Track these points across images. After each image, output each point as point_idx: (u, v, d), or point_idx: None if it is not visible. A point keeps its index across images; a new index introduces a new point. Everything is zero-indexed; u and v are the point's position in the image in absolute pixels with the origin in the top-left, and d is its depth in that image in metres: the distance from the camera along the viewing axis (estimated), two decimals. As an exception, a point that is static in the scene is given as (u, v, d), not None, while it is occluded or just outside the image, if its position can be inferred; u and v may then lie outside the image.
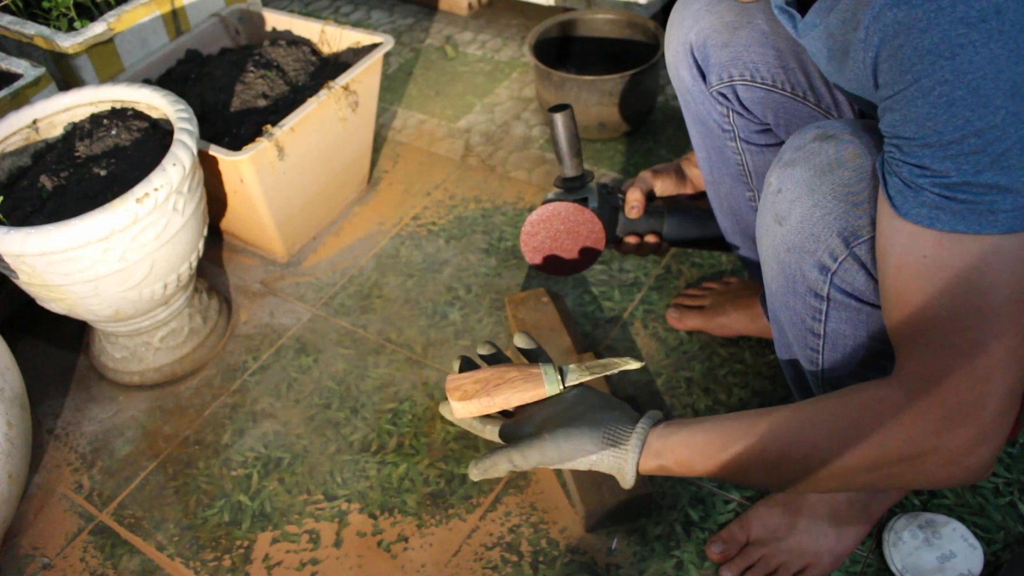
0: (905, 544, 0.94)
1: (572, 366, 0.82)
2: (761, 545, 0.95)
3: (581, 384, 0.82)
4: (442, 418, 1.15)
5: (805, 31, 0.72)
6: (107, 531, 1.08)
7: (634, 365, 0.81)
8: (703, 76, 0.95)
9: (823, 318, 0.74)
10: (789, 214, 0.71)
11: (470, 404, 0.81)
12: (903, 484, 0.66)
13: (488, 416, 0.83)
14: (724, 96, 0.94)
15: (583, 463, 0.76)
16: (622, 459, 0.74)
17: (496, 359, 0.88)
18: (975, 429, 0.60)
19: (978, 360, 0.59)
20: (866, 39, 0.60)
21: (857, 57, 0.62)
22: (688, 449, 0.73)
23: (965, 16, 0.53)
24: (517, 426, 0.80)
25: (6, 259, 1.01)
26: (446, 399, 0.84)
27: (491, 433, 0.83)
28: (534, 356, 0.87)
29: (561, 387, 0.80)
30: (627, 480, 0.75)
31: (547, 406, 0.80)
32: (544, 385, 0.80)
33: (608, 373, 0.82)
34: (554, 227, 1.02)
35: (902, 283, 0.62)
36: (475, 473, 0.80)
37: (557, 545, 1.01)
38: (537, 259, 1.04)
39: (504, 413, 0.83)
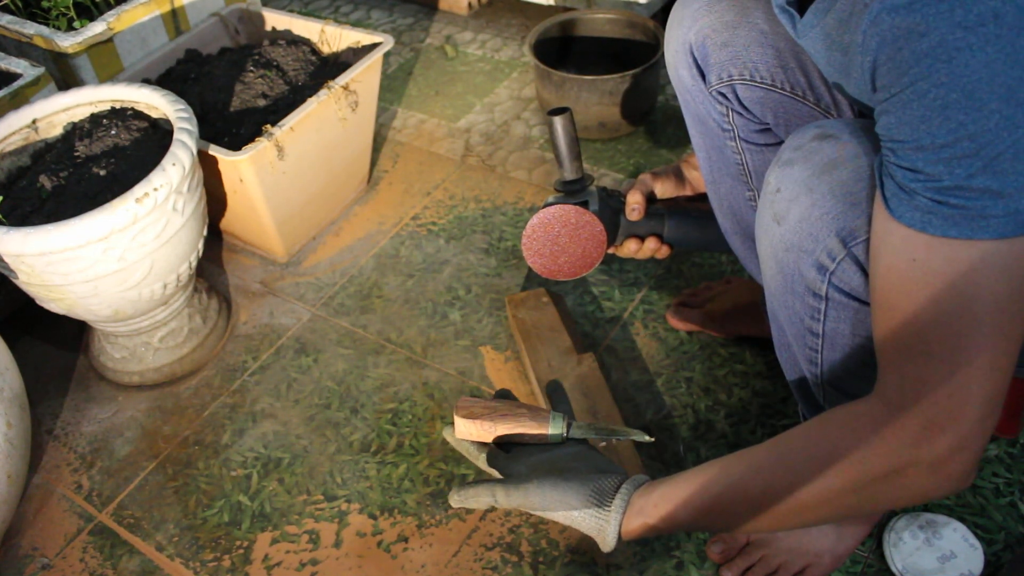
0: (905, 544, 0.94)
1: (582, 423, 0.84)
2: (761, 545, 0.95)
3: (586, 441, 0.83)
4: (442, 417, 1.15)
5: (804, 31, 0.72)
6: (107, 531, 1.08)
7: (644, 439, 0.82)
8: (702, 76, 0.95)
9: (822, 318, 0.74)
10: (787, 213, 0.71)
11: (472, 424, 0.84)
12: (890, 502, 0.66)
13: (486, 446, 0.85)
14: (723, 95, 0.94)
15: (563, 517, 0.77)
16: (604, 520, 0.75)
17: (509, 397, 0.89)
18: (954, 437, 0.60)
19: (958, 368, 0.59)
20: (864, 43, 0.59)
21: (855, 60, 0.62)
22: (670, 501, 0.73)
23: (963, 20, 0.53)
24: (509, 461, 0.82)
25: (5, 259, 1.01)
26: (451, 423, 0.86)
27: (484, 462, 0.84)
28: (556, 402, 0.89)
29: (564, 435, 0.82)
30: (607, 543, 0.76)
31: (546, 451, 0.82)
32: (548, 427, 0.82)
33: (615, 439, 0.84)
34: (555, 230, 1.01)
35: (890, 285, 0.62)
36: (455, 500, 0.81)
37: (557, 545, 1.01)
38: (539, 263, 1.04)
39: (504, 449, 0.85)
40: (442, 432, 0.86)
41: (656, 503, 0.74)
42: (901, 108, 0.57)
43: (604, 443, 0.87)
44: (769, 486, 0.69)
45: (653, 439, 0.83)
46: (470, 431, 0.84)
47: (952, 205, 0.56)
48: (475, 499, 0.80)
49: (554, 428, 0.82)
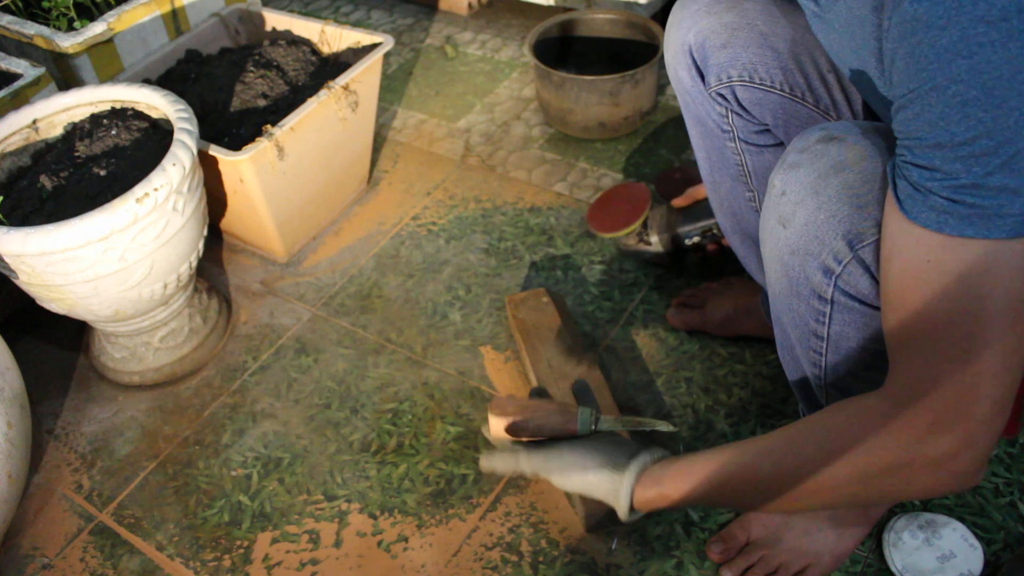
0: (905, 544, 0.94)
1: (608, 417, 0.88)
2: (761, 545, 0.95)
3: (613, 433, 0.88)
4: (442, 417, 1.16)
5: (828, 6, 0.71)
6: (107, 531, 1.08)
7: (668, 428, 0.88)
8: (702, 77, 0.95)
9: (827, 321, 0.74)
10: (793, 216, 0.71)
11: (504, 422, 0.89)
12: (894, 495, 0.66)
13: (522, 443, 0.90)
14: (723, 97, 0.94)
15: (580, 482, 0.80)
16: (617, 483, 0.78)
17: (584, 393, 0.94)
18: (961, 435, 0.60)
19: (968, 367, 0.59)
20: (887, 31, 0.59)
21: (875, 47, 0.62)
22: (686, 475, 0.75)
23: (986, 14, 0.52)
24: (539, 447, 0.87)
25: (6, 259, 1.01)
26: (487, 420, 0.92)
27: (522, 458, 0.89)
28: (583, 400, 0.94)
29: (592, 430, 0.87)
30: (621, 505, 0.78)
31: (572, 439, 0.87)
32: (576, 423, 0.87)
33: (640, 429, 0.88)
34: (615, 196, 1.40)
35: (903, 286, 0.62)
36: (483, 463, 0.87)
37: (557, 545, 1.01)
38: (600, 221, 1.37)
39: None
40: (482, 429, 0.92)
41: (673, 476, 0.76)
42: (919, 103, 0.57)
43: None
44: (777, 470, 0.70)
45: (677, 429, 0.86)
46: (503, 426, 0.89)
47: (968, 204, 0.56)
48: (501, 462, 0.85)
49: (582, 427, 0.86)
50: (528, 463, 0.83)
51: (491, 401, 0.90)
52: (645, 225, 1.31)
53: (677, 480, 0.75)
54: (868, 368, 0.75)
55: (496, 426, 0.89)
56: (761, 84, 0.90)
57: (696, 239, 1.27)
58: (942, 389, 0.60)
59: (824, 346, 0.76)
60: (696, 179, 1.39)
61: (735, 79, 0.91)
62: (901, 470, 0.63)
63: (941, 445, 0.61)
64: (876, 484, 0.65)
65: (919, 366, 0.62)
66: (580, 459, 0.80)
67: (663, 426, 0.87)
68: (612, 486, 0.78)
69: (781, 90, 0.90)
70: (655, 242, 1.29)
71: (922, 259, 0.59)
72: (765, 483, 0.71)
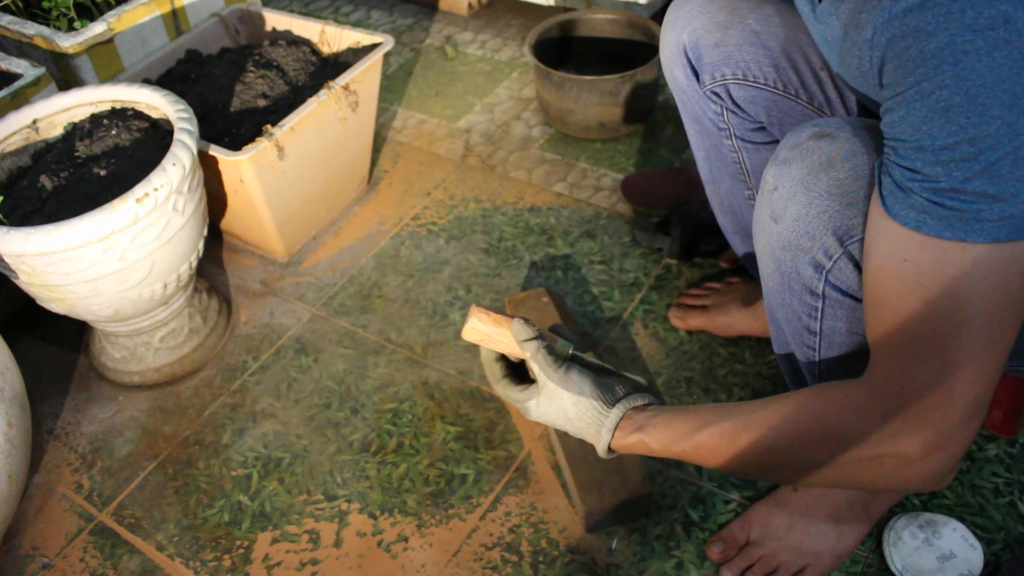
0: (905, 544, 0.94)
1: (586, 354, 0.85)
2: (761, 545, 0.95)
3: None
4: (442, 417, 1.16)
5: (822, 18, 0.71)
6: (107, 531, 1.08)
7: (637, 379, 0.85)
8: (697, 76, 0.95)
9: (819, 315, 0.74)
10: (784, 212, 0.71)
11: (487, 316, 0.83)
12: (867, 483, 0.67)
13: (508, 365, 0.85)
14: (717, 95, 0.94)
15: (570, 407, 0.77)
16: (603, 419, 0.77)
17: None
18: (932, 436, 0.61)
19: (945, 370, 0.60)
20: (873, 39, 0.59)
21: (863, 56, 0.62)
22: (667, 429, 0.75)
23: (973, 23, 0.52)
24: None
25: (6, 259, 1.01)
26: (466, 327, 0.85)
27: (504, 386, 0.84)
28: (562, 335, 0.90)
29: (570, 352, 0.82)
30: (602, 439, 0.77)
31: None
32: (557, 341, 0.82)
33: (612, 371, 0.85)
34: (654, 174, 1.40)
35: (881, 284, 0.62)
36: (494, 384, 0.84)
37: (557, 545, 1.01)
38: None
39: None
40: (463, 333, 0.85)
41: (656, 426, 0.75)
42: (904, 107, 0.57)
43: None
44: (755, 441, 0.71)
45: (646, 383, 0.88)
46: (484, 329, 0.83)
47: (948, 207, 0.56)
48: (501, 386, 0.83)
49: (561, 345, 0.82)
50: (524, 392, 0.81)
51: (471, 309, 0.84)
52: (670, 215, 1.31)
53: (659, 431, 0.75)
54: (862, 363, 0.75)
55: (478, 328, 0.83)
56: (755, 82, 0.91)
57: (712, 248, 1.28)
58: (918, 389, 0.61)
59: (817, 340, 0.77)
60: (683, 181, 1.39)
61: (728, 77, 0.92)
62: (871, 461, 0.64)
63: (912, 444, 0.62)
64: (850, 470, 0.66)
65: (897, 364, 0.62)
66: (577, 384, 0.78)
67: (634, 377, 0.87)
68: (597, 420, 0.77)
69: (774, 88, 0.90)
70: (675, 235, 1.29)
71: (899, 257, 0.60)
72: (741, 451, 0.72)
